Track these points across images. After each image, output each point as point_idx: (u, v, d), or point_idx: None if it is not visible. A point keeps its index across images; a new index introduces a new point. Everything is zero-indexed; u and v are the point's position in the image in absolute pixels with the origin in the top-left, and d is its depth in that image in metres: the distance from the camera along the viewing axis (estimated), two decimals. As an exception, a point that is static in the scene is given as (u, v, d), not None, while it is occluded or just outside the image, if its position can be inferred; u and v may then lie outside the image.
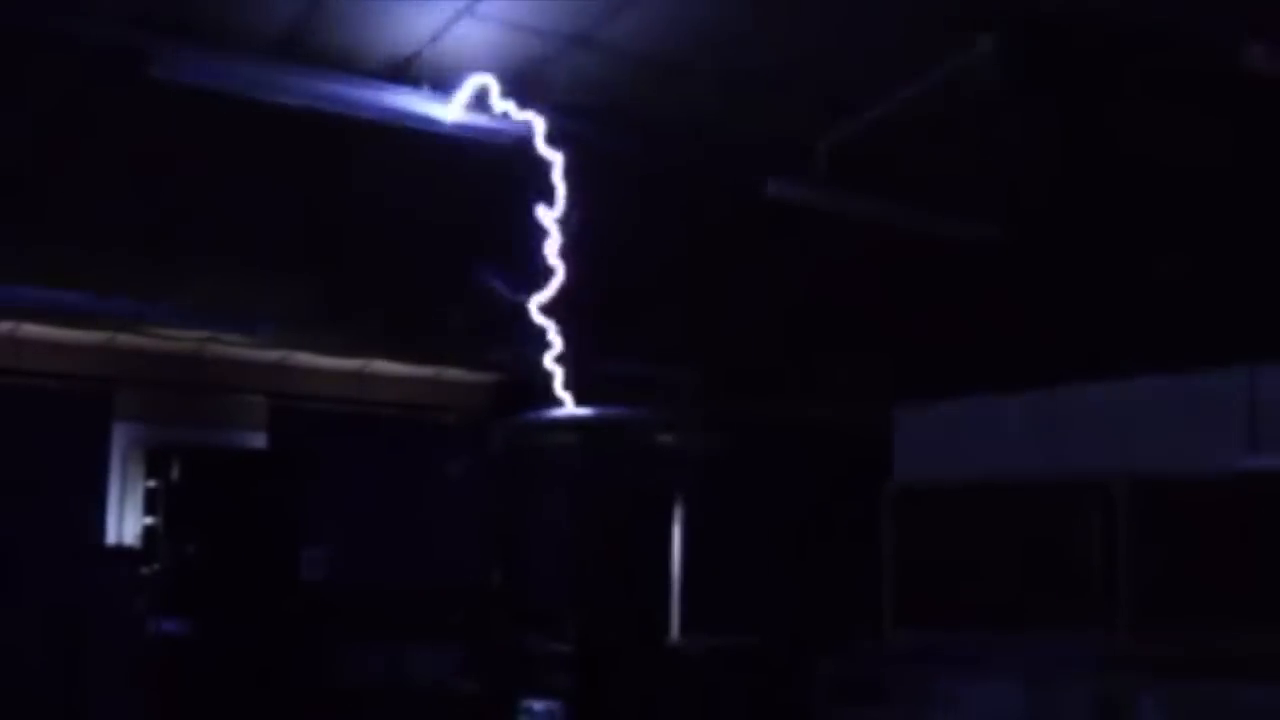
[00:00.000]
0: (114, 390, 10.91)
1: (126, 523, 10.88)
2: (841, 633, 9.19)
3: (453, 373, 11.93)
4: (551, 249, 7.18)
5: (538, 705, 8.51)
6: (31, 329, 10.03)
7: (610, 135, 7.45)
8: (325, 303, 9.60)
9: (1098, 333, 9.72)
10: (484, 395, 12.15)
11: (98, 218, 8.28)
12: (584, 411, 7.99)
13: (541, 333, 7.57)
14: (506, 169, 7.34)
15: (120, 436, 10.95)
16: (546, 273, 7.36)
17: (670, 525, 10.75)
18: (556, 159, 7.04)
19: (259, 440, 11.48)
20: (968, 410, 7.96)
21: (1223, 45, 6.29)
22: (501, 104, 6.90)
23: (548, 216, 7.18)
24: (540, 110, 6.91)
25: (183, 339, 10.48)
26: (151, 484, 10.85)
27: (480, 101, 6.93)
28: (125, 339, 10.43)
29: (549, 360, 7.38)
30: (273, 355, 11.22)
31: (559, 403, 7.77)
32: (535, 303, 7.29)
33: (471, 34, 6.72)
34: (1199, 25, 6.47)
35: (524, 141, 7.04)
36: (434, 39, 6.75)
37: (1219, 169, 8.12)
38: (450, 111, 6.88)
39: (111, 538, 10.80)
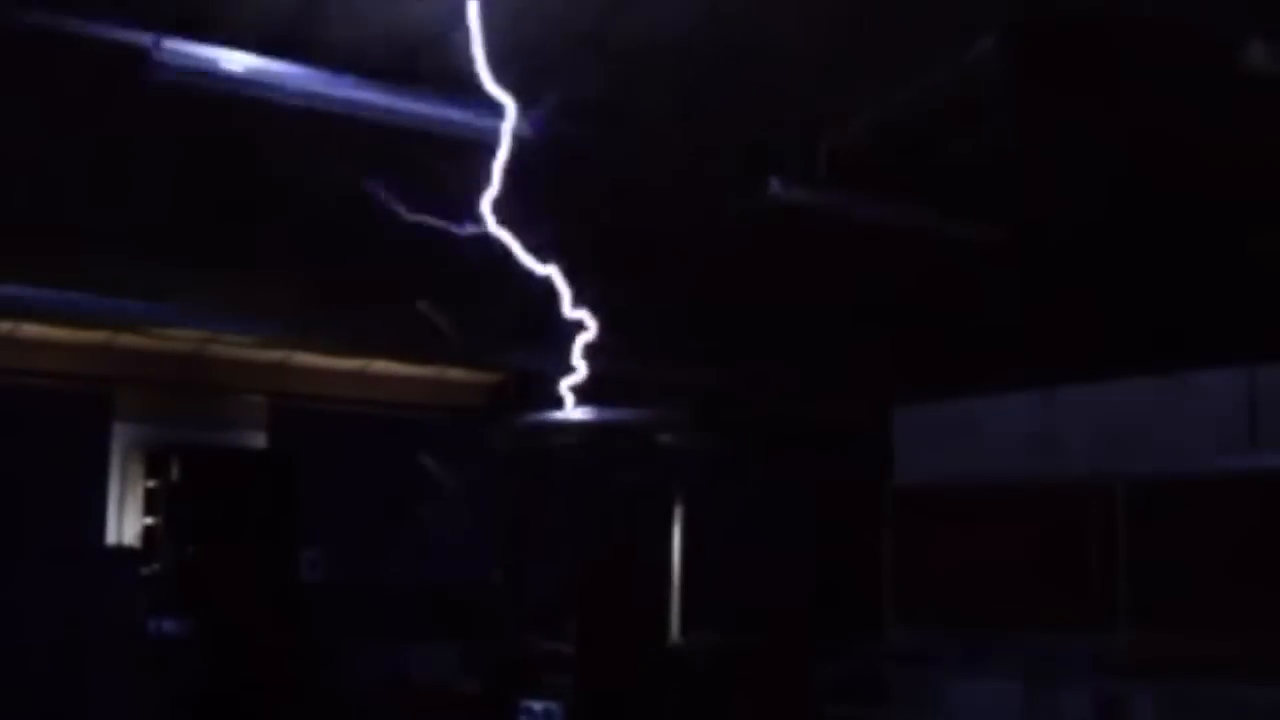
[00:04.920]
0: (114, 390, 10.91)
1: (126, 523, 10.89)
2: (842, 633, 9.20)
3: (453, 373, 11.93)
4: (555, 251, 7.16)
5: (538, 705, 8.52)
6: (31, 329, 10.03)
7: (611, 135, 7.45)
8: (326, 303, 9.60)
9: (1098, 333, 9.72)
10: (484, 395, 12.15)
11: (98, 218, 8.28)
12: (585, 412, 7.99)
13: (543, 333, 7.56)
14: (506, 168, 7.33)
15: (120, 436, 10.95)
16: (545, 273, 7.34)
17: (670, 525, 10.75)
18: (557, 159, 7.04)
19: (259, 440, 11.48)
20: (968, 410, 7.96)
21: (1223, 45, 6.29)
22: (502, 103, 6.89)
23: (548, 216, 7.17)
24: (542, 110, 6.90)
25: (183, 339, 10.48)
26: (151, 484, 10.85)
27: (482, 101, 6.92)
28: (125, 339, 10.43)
29: (573, 359, 7.34)
30: (273, 355, 11.22)
31: (559, 403, 7.77)
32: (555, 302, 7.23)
33: (473, 33, 6.71)
34: (1199, 24, 6.48)
35: (525, 141, 7.03)
36: (435, 38, 6.75)
37: (1219, 168, 8.11)
38: (452, 111, 6.87)
39: (111, 538, 10.80)
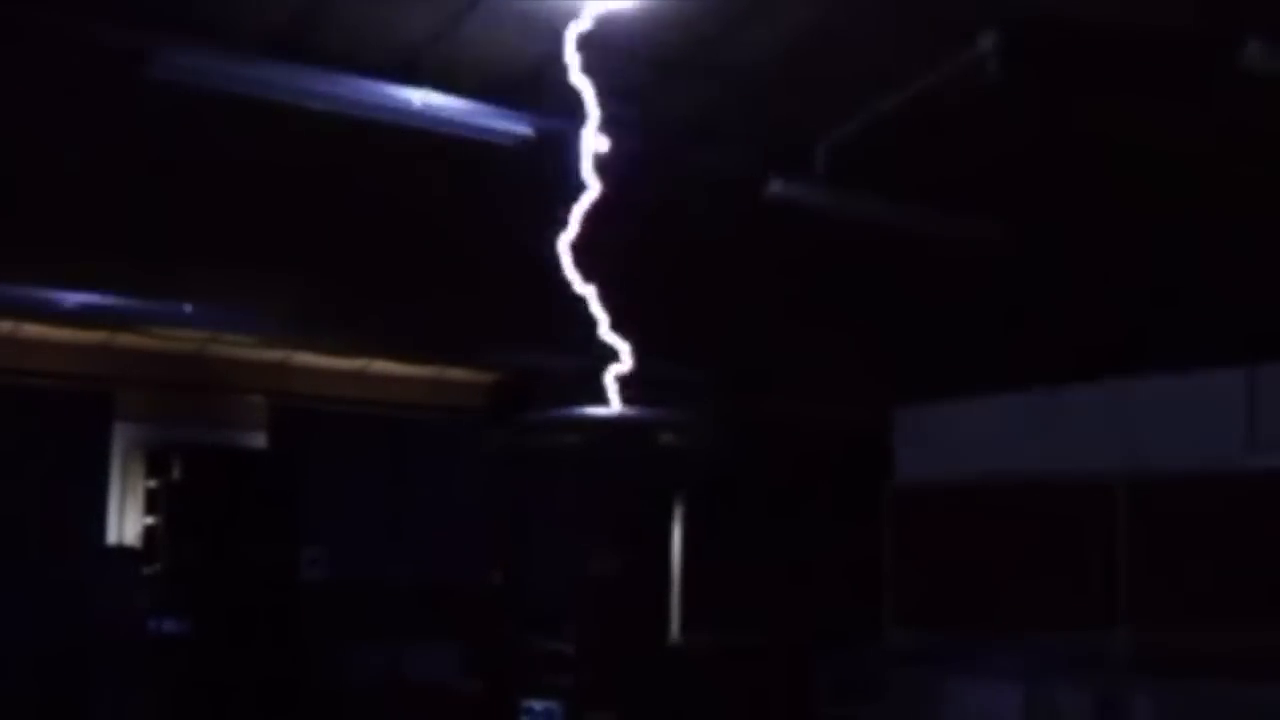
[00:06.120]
0: (114, 390, 10.90)
1: (126, 523, 10.88)
2: (842, 633, 9.20)
3: (453, 373, 11.93)
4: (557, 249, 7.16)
5: (538, 705, 8.51)
6: (31, 329, 10.03)
7: (610, 135, 7.44)
8: (326, 303, 9.60)
9: (1098, 333, 9.72)
10: (484, 395, 12.15)
11: (98, 218, 8.28)
12: (585, 411, 7.99)
13: (543, 334, 7.56)
14: (508, 168, 7.34)
15: (120, 436, 10.94)
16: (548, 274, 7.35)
17: (671, 525, 10.75)
18: (557, 158, 7.03)
19: (259, 440, 11.47)
20: (968, 410, 7.96)
21: (1222, 45, 6.30)
22: (502, 103, 6.89)
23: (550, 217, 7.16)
24: (541, 110, 6.91)
25: (183, 339, 10.48)
26: (152, 484, 10.84)
27: (482, 101, 6.93)
28: (125, 339, 10.42)
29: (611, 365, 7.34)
30: (273, 355, 11.22)
31: (559, 403, 7.77)
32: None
33: (473, 33, 6.72)
34: (1198, 25, 6.48)
35: (525, 140, 7.03)
36: (436, 38, 6.75)
37: (1218, 169, 8.12)
38: (452, 110, 6.87)
39: (111, 538, 10.79)
